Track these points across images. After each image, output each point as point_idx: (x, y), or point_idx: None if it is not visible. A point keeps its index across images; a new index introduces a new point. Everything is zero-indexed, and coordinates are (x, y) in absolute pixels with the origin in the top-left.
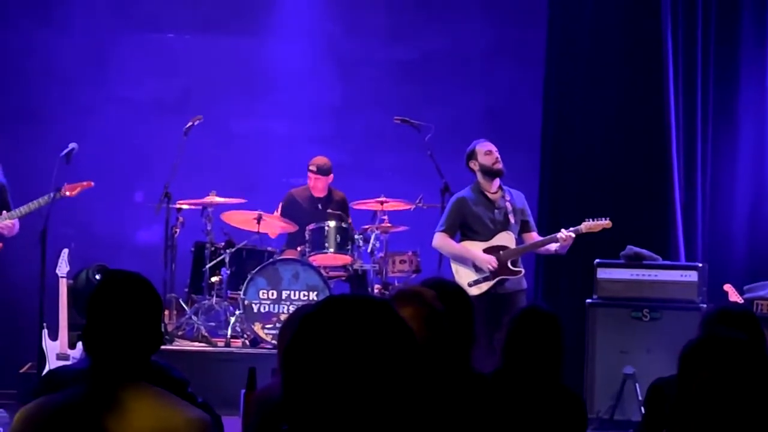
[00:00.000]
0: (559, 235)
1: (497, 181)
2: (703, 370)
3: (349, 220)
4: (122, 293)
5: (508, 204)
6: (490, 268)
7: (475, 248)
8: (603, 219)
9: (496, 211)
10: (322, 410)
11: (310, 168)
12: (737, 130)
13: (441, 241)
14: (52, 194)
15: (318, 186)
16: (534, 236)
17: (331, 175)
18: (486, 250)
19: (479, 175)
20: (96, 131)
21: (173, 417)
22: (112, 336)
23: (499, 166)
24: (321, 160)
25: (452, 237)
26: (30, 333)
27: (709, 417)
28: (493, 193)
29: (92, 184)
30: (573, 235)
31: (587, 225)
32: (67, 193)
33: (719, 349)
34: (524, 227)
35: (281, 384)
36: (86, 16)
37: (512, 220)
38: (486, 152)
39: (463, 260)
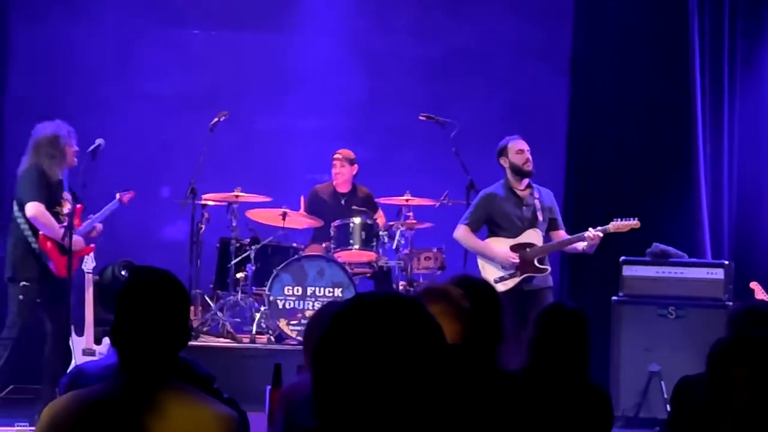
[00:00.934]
0: (586, 234)
1: (526, 179)
2: (733, 370)
3: (376, 217)
4: (150, 290)
5: (536, 201)
6: (512, 262)
7: (501, 245)
8: (631, 219)
9: (524, 208)
10: (352, 407)
11: (335, 156)
12: (764, 126)
13: (462, 233)
14: (116, 201)
15: (342, 175)
16: (562, 234)
17: (356, 166)
18: (513, 247)
19: (509, 172)
20: (122, 127)
21: (201, 413)
22: (140, 333)
23: (529, 167)
24: (344, 150)
25: (475, 231)
26: None
27: (739, 416)
28: (521, 191)
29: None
30: (600, 235)
31: (615, 225)
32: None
33: (749, 349)
34: (552, 225)
35: (311, 381)
36: (113, 13)
37: (540, 218)
38: (518, 151)
39: (484, 256)
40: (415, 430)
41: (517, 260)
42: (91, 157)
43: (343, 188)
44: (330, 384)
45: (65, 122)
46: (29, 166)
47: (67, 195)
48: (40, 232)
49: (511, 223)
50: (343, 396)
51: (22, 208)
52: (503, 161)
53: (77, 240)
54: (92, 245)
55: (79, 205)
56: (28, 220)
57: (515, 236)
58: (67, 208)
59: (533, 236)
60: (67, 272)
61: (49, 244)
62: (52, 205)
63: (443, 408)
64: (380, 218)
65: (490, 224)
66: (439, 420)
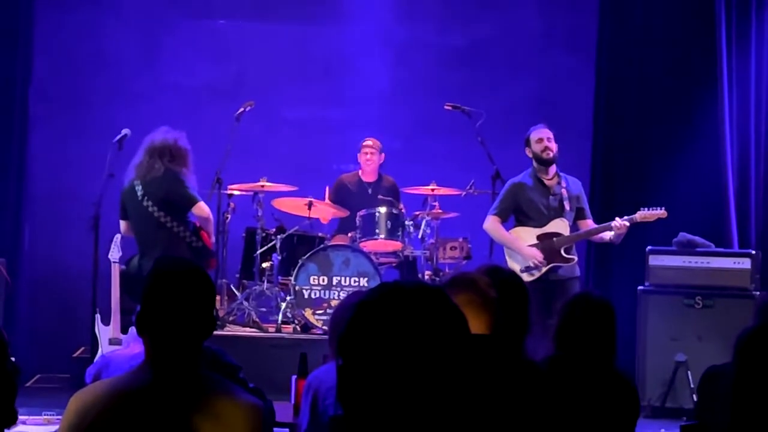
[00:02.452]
0: (613, 223)
1: (553, 168)
2: (760, 359)
3: (401, 207)
4: (176, 280)
5: (564, 191)
6: (536, 263)
7: (528, 234)
8: (658, 209)
9: (551, 197)
10: (378, 396)
11: (365, 144)
12: None
13: (492, 224)
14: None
15: (370, 163)
16: (589, 224)
17: (383, 155)
18: (539, 237)
19: (534, 162)
20: (148, 117)
21: (227, 403)
22: (166, 322)
23: (549, 154)
24: (372, 139)
25: (504, 221)
26: (83, 318)
27: (765, 405)
28: (549, 180)
29: None
30: (627, 224)
31: (642, 214)
32: None
33: None
34: (579, 214)
35: (336, 370)
36: (139, 2)
37: (567, 207)
38: (537, 140)
39: (511, 248)
40: (440, 420)
41: (541, 260)
42: (117, 147)
43: (370, 177)
44: (355, 373)
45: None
46: (168, 171)
47: None
48: (203, 231)
49: (538, 212)
50: (368, 385)
51: (169, 211)
52: (528, 151)
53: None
54: None
55: None
56: (182, 222)
57: (542, 225)
58: None
59: (560, 226)
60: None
61: (209, 241)
62: None
63: (469, 397)
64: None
65: (517, 213)
66: (465, 410)
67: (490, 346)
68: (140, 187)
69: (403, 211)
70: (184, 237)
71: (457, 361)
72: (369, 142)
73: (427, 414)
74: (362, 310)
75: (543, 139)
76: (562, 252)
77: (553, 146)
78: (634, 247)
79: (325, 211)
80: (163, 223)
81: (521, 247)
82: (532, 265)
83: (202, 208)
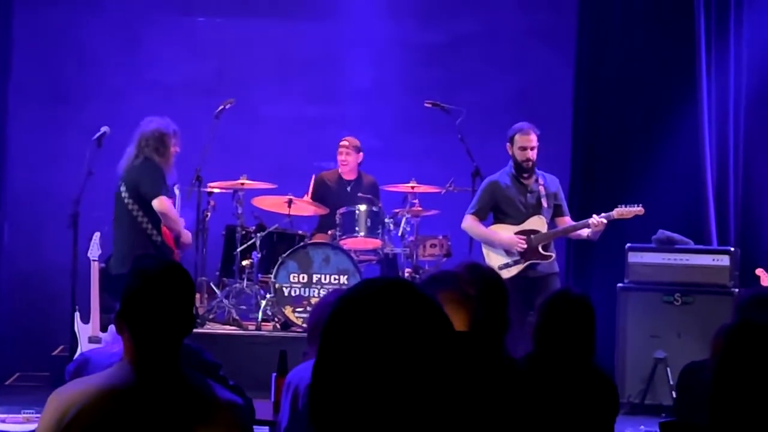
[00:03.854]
0: (590, 220)
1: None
2: (738, 356)
3: (380, 204)
4: (155, 278)
5: (541, 188)
6: (519, 249)
7: (505, 231)
8: (635, 206)
9: (528, 195)
10: (357, 394)
11: (342, 144)
12: None
13: (469, 223)
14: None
15: (348, 163)
16: (567, 221)
17: (361, 154)
18: (517, 234)
19: (513, 161)
20: (128, 114)
21: (207, 400)
22: (145, 320)
23: (528, 164)
24: (350, 138)
25: (482, 220)
26: (62, 316)
27: (744, 403)
28: (526, 178)
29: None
30: (605, 221)
31: (619, 211)
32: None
33: (755, 335)
34: (557, 212)
35: (313, 367)
36: (118, 0)
37: (545, 204)
38: (521, 147)
39: (491, 244)
40: (421, 417)
41: (525, 245)
42: (96, 144)
43: (349, 175)
44: (335, 370)
45: (171, 121)
46: (146, 161)
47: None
48: (163, 226)
49: (515, 209)
50: (348, 382)
51: (138, 202)
52: (509, 149)
53: (187, 233)
54: None
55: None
56: (148, 214)
57: (520, 223)
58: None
59: (537, 223)
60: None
61: (170, 237)
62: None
63: (449, 394)
64: None
65: (495, 211)
66: (445, 406)
67: (469, 344)
68: (122, 177)
69: (381, 209)
70: (146, 229)
71: (439, 359)
72: (345, 142)
73: (407, 411)
74: (346, 305)
75: (527, 148)
76: (540, 249)
77: (534, 154)
78: (614, 245)
79: (304, 208)
80: (131, 212)
81: (501, 238)
82: (515, 254)
83: (161, 202)
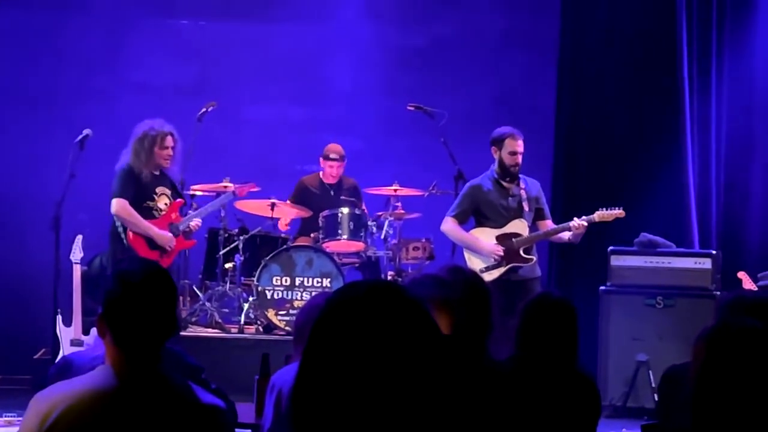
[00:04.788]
0: (571, 223)
1: None
2: (720, 358)
3: (363, 207)
4: (137, 281)
5: (522, 192)
6: (496, 258)
7: (487, 235)
8: (616, 208)
9: (510, 198)
10: (342, 396)
11: (331, 156)
12: (752, 116)
13: (449, 226)
14: (230, 193)
15: (335, 173)
16: (548, 224)
17: (345, 160)
18: (498, 237)
19: (497, 166)
20: (110, 117)
21: (189, 404)
22: (127, 323)
23: (517, 169)
24: (337, 147)
25: (462, 223)
26: (44, 319)
27: (725, 404)
28: (507, 182)
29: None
30: (585, 224)
31: (600, 214)
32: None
33: (735, 337)
34: (539, 215)
35: (299, 369)
36: (102, 2)
37: (526, 208)
38: (511, 152)
39: (470, 248)
40: (405, 419)
41: (502, 254)
42: (79, 147)
43: (332, 180)
44: (320, 372)
45: (166, 123)
46: (121, 163)
47: (163, 190)
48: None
49: (496, 213)
50: (334, 385)
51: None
52: (495, 152)
53: (162, 235)
54: (193, 240)
55: (178, 200)
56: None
57: (501, 226)
58: (163, 203)
59: (519, 226)
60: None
61: (136, 238)
62: (142, 200)
63: (434, 397)
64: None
65: (476, 215)
66: (430, 410)
67: (451, 347)
68: None
69: (365, 211)
70: (119, 232)
71: (427, 362)
72: (335, 155)
73: (391, 414)
74: (333, 309)
75: (517, 153)
76: (521, 252)
77: (521, 159)
78: (596, 248)
79: (287, 211)
80: (112, 214)
81: (481, 245)
82: (493, 261)
83: (115, 204)
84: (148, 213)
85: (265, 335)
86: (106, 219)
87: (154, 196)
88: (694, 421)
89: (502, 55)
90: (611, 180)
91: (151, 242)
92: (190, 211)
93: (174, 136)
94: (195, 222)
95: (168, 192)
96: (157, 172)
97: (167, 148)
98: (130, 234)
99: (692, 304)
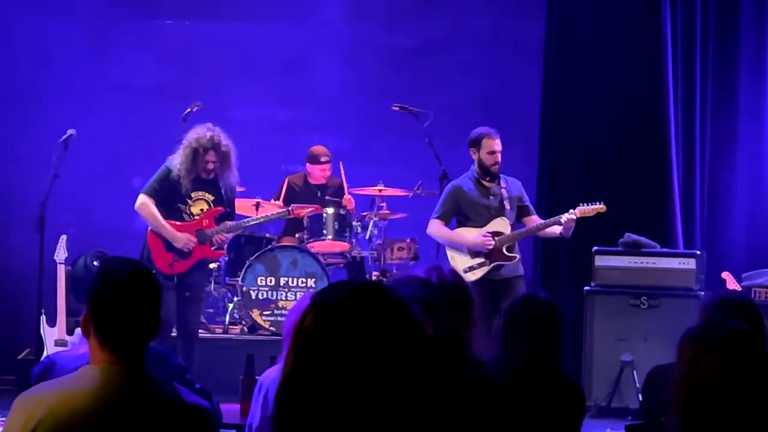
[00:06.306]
0: (562, 218)
1: None
2: (703, 358)
3: (345, 203)
4: (121, 281)
5: (503, 191)
6: (488, 247)
7: (469, 234)
8: (597, 203)
9: (491, 197)
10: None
11: (322, 160)
12: (736, 117)
13: (436, 227)
14: (285, 212)
15: (326, 175)
16: (535, 220)
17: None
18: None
19: (477, 167)
20: (95, 117)
21: (173, 404)
22: (112, 323)
23: (496, 168)
24: (324, 149)
25: (447, 224)
26: (28, 319)
27: (708, 404)
28: (488, 181)
29: (320, 209)
30: (574, 217)
31: (581, 209)
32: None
33: (719, 337)
34: (523, 212)
35: (285, 372)
36: (86, 2)
37: (508, 207)
38: (490, 152)
39: (457, 247)
40: (390, 419)
41: (492, 243)
42: (63, 147)
43: (318, 181)
44: (306, 373)
45: (218, 133)
46: (167, 161)
47: (203, 195)
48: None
49: (478, 213)
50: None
51: None
52: (474, 153)
53: (176, 236)
54: (220, 251)
55: (217, 208)
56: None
57: (482, 225)
58: (199, 208)
59: (501, 225)
60: (169, 270)
61: (154, 237)
62: (174, 202)
63: (418, 398)
64: (350, 203)
65: (458, 215)
66: (415, 410)
67: (435, 347)
68: None
69: (353, 204)
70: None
71: (413, 363)
72: (326, 158)
73: (377, 414)
74: (319, 311)
75: (496, 152)
76: (504, 250)
77: (500, 157)
78: (580, 248)
79: (272, 211)
80: None
81: (469, 239)
82: (479, 258)
83: (137, 200)
84: (177, 215)
85: (250, 335)
86: (92, 219)
87: (188, 200)
88: (680, 422)
89: (487, 56)
90: (596, 180)
91: (170, 244)
92: (227, 222)
93: (219, 151)
94: (219, 236)
95: (210, 199)
96: (206, 176)
97: (208, 162)
98: (150, 232)
99: (677, 305)
